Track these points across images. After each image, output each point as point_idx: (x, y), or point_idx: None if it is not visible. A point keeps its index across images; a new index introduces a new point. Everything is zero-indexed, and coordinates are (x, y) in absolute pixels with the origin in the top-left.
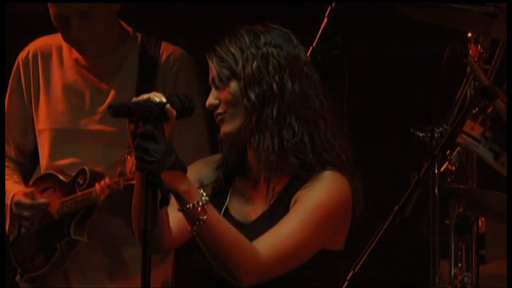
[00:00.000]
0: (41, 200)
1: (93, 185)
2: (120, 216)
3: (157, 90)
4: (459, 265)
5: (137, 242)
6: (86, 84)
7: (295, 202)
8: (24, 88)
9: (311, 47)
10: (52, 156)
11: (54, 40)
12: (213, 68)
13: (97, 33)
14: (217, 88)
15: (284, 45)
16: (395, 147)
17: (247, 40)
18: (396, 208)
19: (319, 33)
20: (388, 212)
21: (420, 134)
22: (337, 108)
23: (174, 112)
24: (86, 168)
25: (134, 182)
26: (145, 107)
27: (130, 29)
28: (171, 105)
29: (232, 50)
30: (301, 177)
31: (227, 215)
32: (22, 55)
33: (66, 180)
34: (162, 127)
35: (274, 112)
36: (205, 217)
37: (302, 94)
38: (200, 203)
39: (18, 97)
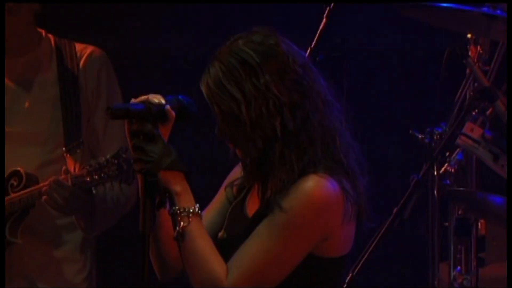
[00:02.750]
0: None
1: (30, 186)
2: (60, 216)
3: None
4: (459, 267)
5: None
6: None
7: (272, 207)
8: None
9: (309, 48)
10: None
11: None
12: (216, 113)
13: (20, 30)
14: (222, 119)
15: (282, 70)
16: (394, 149)
17: (243, 75)
18: (395, 210)
19: (317, 34)
20: (387, 214)
21: (420, 136)
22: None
23: (174, 114)
24: (20, 169)
25: (83, 180)
26: (144, 109)
27: (42, 31)
28: (170, 107)
29: (230, 90)
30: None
31: (239, 209)
32: None
33: None
34: (159, 128)
35: (277, 153)
36: (185, 225)
37: (303, 122)
38: (188, 210)
39: None
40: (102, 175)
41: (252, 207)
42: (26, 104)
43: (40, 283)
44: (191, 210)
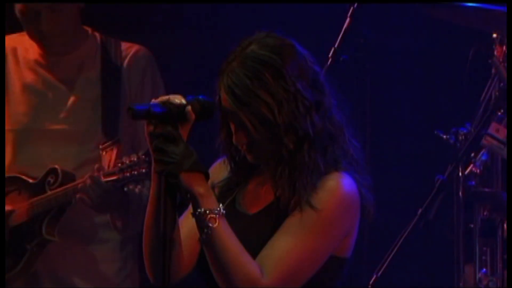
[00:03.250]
0: None
1: (66, 184)
2: (98, 214)
3: (134, 89)
4: (484, 269)
5: (148, 246)
6: (47, 84)
7: (295, 203)
8: None
9: (333, 48)
10: (15, 158)
11: (7, 43)
12: (245, 120)
13: (65, 27)
14: (244, 126)
15: (302, 70)
16: (419, 149)
17: (270, 79)
18: (420, 211)
19: (341, 34)
20: (412, 215)
21: (444, 136)
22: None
23: (193, 115)
24: (57, 167)
25: (115, 177)
26: (164, 110)
27: (89, 29)
28: (191, 107)
29: (263, 96)
30: None
31: (231, 207)
32: None
33: (32, 181)
34: (179, 129)
35: (305, 154)
36: (214, 226)
37: (325, 120)
38: (213, 211)
39: None
40: (133, 172)
41: (251, 204)
42: (69, 103)
43: (80, 283)
44: (216, 211)
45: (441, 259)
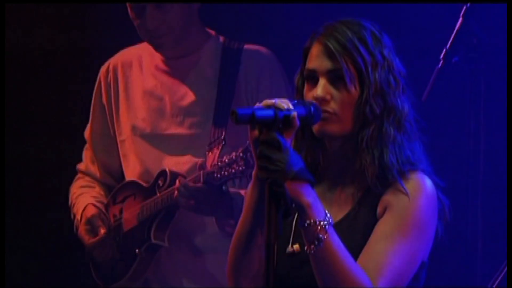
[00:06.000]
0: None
1: (174, 185)
2: (204, 216)
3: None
4: None
5: (238, 251)
6: (165, 88)
7: (384, 208)
8: (105, 101)
9: (444, 49)
10: (136, 164)
11: (134, 51)
12: (339, 62)
13: (174, 26)
14: (331, 83)
15: (395, 55)
16: None
17: (372, 44)
18: None
19: (453, 34)
20: None
21: None
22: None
23: (298, 123)
24: (166, 169)
25: (213, 176)
26: (270, 115)
27: (213, 32)
28: (296, 112)
29: (362, 50)
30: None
31: None
32: (103, 69)
33: (146, 185)
34: (283, 135)
35: (391, 128)
36: (325, 237)
37: (408, 107)
38: (323, 222)
39: (101, 111)
40: (231, 170)
41: (330, 211)
42: (185, 107)
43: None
44: (326, 222)
45: None
